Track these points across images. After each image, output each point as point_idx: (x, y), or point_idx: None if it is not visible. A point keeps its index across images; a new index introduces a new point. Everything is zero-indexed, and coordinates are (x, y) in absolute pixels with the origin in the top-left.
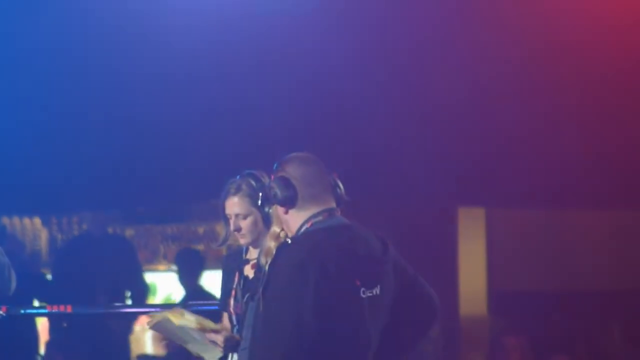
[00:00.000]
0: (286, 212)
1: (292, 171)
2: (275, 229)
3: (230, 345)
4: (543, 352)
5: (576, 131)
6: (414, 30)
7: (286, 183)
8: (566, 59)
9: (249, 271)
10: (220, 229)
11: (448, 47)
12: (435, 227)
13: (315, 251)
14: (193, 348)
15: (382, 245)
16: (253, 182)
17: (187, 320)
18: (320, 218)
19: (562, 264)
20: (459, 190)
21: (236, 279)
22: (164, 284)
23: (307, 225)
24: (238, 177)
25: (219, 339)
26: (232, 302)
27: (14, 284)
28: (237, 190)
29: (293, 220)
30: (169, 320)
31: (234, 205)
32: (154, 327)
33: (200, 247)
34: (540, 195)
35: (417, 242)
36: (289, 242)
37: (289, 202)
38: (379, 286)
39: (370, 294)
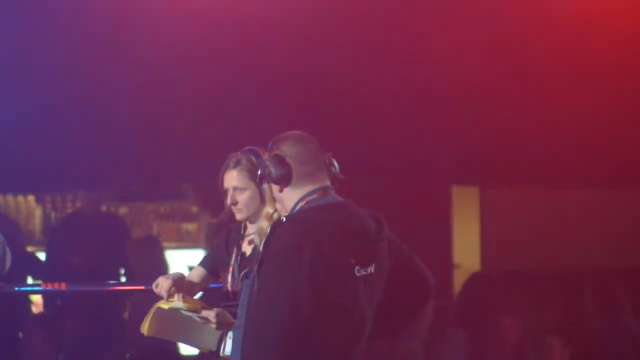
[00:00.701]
0: (281, 191)
1: (287, 149)
2: (269, 209)
3: (223, 321)
4: (538, 332)
5: (572, 109)
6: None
7: (280, 161)
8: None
9: (246, 247)
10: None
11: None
12: (429, 205)
13: (310, 230)
14: (187, 338)
15: (377, 224)
16: (253, 158)
17: (176, 302)
18: (314, 196)
19: (558, 242)
20: (453, 168)
21: (234, 256)
22: None
23: (302, 204)
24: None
25: (211, 314)
26: (229, 278)
27: (8, 262)
28: (237, 164)
29: (288, 199)
30: (160, 311)
31: (232, 178)
32: (150, 331)
33: (194, 225)
34: (536, 174)
35: (412, 221)
36: (284, 220)
37: (284, 180)
38: (373, 265)
39: (365, 273)
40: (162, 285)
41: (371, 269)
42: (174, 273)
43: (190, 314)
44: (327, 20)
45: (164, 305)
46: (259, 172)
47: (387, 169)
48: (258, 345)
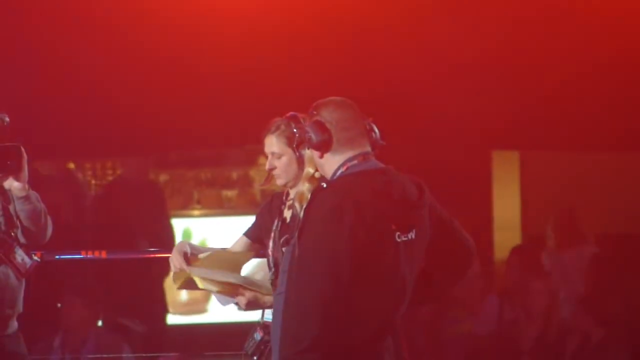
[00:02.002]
0: (321, 157)
1: (327, 115)
2: (309, 169)
3: (254, 305)
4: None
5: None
6: None
7: (321, 127)
8: None
9: (287, 213)
10: (253, 173)
11: None
12: (469, 170)
13: (350, 195)
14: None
15: (418, 190)
16: (293, 124)
17: (210, 286)
18: (355, 162)
19: (601, 207)
20: (493, 133)
21: (275, 222)
22: (198, 230)
23: (342, 169)
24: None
25: (242, 300)
26: (270, 244)
27: (49, 230)
28: (276, 129)
29: (328, 165)
30: (193, 282)
31: (271, 144)
32: (182, 286)
33: (234, 192)
34: (576, 138)
35: (452, 186)
36: (324, 186)
37: (324, 146)
38: (414, 231)
39: (405, 239)
40: (175, 263)
41: (412, 235)
42: (183, 244)
43: (220, 296)
44: None
45: (199, 283)
46: (297, 137)
47: (427, 137)
48: (300, 312)
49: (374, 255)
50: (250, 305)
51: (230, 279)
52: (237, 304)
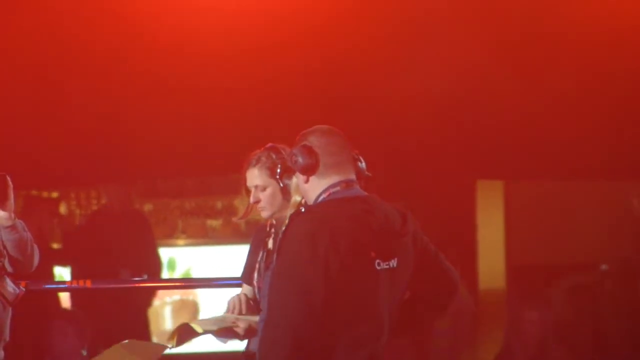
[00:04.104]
0: (307, 181)
1: (315, 140)
2: (297, 197)
3: (252, 332)
4: (562, 326)
5: (595, 102)
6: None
7: (308, 150)
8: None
9: (270, 244)
10: (238, 203)
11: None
12: (453, 200)
13: (327, 221)
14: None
15: (402, 218)
16: (273, 155)
17: (209, 326)
18: (337, 189)
19: (581, 236)
20: (476, 163)
21: (260, 254)
22: (183, 259)
23: (324, 195)
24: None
25: (240, 328)
26: (255, 275)
27: (36, 260)
28: (257, 162)
29: (312, 190)
30: (191, 330)
31: (254, 176)
32: (178, 341)
33: (219, 221)
34: (559, 167)
35: (436, 215)
36: (302, 210)
37: (310, 170)
38: (396, 259)
39: (387, 266)
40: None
41: (393, 263)
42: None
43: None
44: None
45: (197, 328)
46: (284, 163)
47: (411, 166)
48: (273, 333)
49: (350, 283)
50: (248, 332)
51: (222, 320)
52: (235, 335)
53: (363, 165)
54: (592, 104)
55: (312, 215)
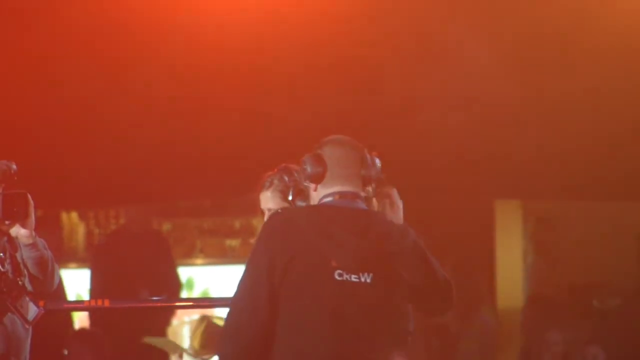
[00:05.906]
0: (315, 189)
1: (328, 150)
2: None
3: None
4: (581, 346)
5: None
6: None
7: (318, 159)
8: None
9: None
10: (256, 222)
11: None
12: (472, 220)
13: (291, 222)
14: None
15: (400, 236)
16: (286, 177)
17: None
18: (330, 198)
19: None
20: (495, 182)
21: None
22: (201, 279)
23: (318, 201)
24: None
25: None
26: None
27: (57, 278)
28: (270, 185)
29: (317, 197)
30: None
31: (267, 200)
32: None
33: (237, 241)
34: (580, 188)
35: (454, 236)
36: (279, 211)
37: (317, 178)
38: (370, 274)
39: (355, 280)
40: None
41: (366, 278)
42: None
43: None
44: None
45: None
46: (292, 189)
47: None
48: (224, 329)
49: (302, 287)
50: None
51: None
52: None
53: (378, 166)
54: (617, 125)
55: (281, 216)
